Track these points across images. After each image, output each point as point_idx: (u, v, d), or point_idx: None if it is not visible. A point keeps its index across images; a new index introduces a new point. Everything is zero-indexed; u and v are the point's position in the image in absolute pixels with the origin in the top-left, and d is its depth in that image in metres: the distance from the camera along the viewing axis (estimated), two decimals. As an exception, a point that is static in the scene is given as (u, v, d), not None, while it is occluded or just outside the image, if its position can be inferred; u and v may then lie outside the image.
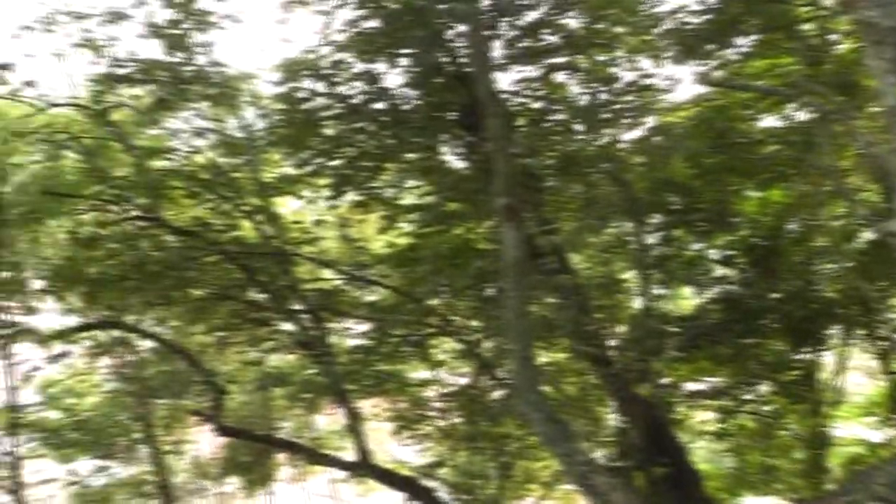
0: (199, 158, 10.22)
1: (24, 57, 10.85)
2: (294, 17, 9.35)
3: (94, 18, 9.86)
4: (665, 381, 7.71)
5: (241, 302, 10.08)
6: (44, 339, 13.85)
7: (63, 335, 13.27)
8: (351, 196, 9.30)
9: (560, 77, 8.20)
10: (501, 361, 8.43)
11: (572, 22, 7.87)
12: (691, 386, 8.32)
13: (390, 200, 9.14)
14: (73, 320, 13.67)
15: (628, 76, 7.81)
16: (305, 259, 9.91)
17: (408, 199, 9.28)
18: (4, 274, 12.93)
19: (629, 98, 7.78)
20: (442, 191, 8.76)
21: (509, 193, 6.87)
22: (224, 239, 9.65)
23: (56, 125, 11.38)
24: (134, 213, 10.07)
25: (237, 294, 10.02)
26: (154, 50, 9.80)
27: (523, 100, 8.30)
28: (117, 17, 9.81)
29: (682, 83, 7.89)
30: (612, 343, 7.89)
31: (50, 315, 14.62)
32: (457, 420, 10.99)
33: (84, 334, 13.56)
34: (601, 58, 7.91)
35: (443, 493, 10.86)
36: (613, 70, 7.89)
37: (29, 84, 10.87)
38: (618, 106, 7.83)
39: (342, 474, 15.68)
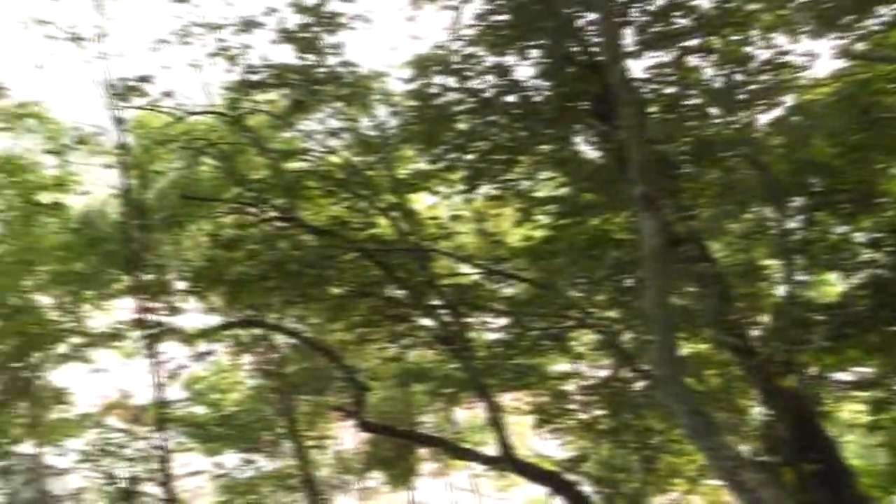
0: (334, 158, 11.73)
1: (162, 69, 12.80)
2: (423, 13, 10.70)
3: (227, 28, 11.61)
4: (811, 372, 8.35)
5: (379, 298, 11.46)
6: (188, 337, 16.10)
7: (206, 334, 15.42)
8: (485, 190, 10.54)
9: (693, 60, 9.03)
10: (642, 353, 9.33)
11: (704, 3, 8.68)
12: (840, 377, 8.87)
13: (525, 193, 10.28)
14: (215, 319, 15.86)
15: (764, 55, 8.49)
16: (442, 254, 11.21)
17: (542, 192, 10.40)
18: (149, 276, 15.14)
19: (765, 77, 8.43)
20: (577, 182, 9.79)
21: (645, 181, 7.64)
22: (361, 237, 11.00)
23: (194, 133, 13.31)
24: (272, 215, 11.70)
25: (376, 291, 11.42)
26: (286, 54, 11.39)
27: (656, 86, 9.15)
28: (250, 25, 11.49)
29: (821, 58, 8.39)
30: (755, 333, 8.62)
31: (193, 315, 16.94)
32: (598, 413, 12.02)
33: (227, 333, 15.71)
34: (735, 37, 8.66)
35: (585, 487, 11.94)
36: (748, 49, 8.62)
37: (167, 94, 12.77)
38: (754, 86, 8.52)
39: (483, 469, 17.17)
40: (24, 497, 18.40)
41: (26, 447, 18.66)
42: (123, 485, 16.63)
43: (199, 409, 18.99)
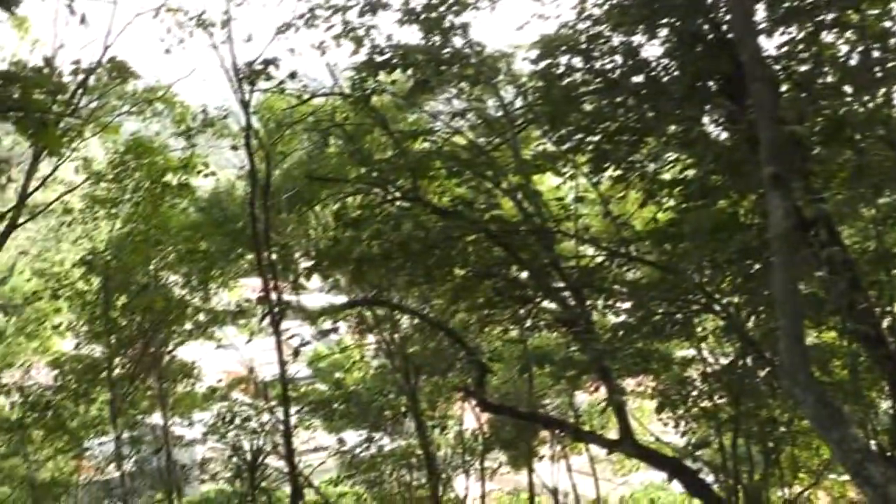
0: (459, 139, 12.50)
1: (287, 51, 13.81)
2: (549, -7, 11.20)
3: (353, 9, 12.45)
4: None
5: (502, 280, 12.16)
6: (312, 316, 17.32)
7: (330, 313, 16.57)
8: (611, 171, 11.03)
9: (828, 36, 9.25)
10: (768, 340, 9.65)
11: (840, -25, 8.87)
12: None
13: (651, 175, 10.74)
14: (339, 299, 17.05)
15: (903, 29, 8.62)
16: (566, 236, 11.82)
17: (669, 174, 10.83)
18: (275, 255, 16.34)
19: (904, 54, 8.59)
20: (704, 163, 10.18)
21: (775, 163, 7.88)
22: (485, 218, 11.75)
23: (320, 114, 14.33)
24: (396, 195, 12.56)
25: (499, 272, 12.12)
26: (412, 35, 12.17)
27: (788, 63, 9.44)
28: (375, 6, 12.31)
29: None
30: (887, 322, 8.83)
31: (317, 294, 18.23)
32: (720, 401, 12.36)
33: (350, 312, 16.83)
34: (873, 12, 8.83)
35: (706, 475, 12.30)
36: (886, 24, 8.77)
37: (293, 77, 13.80)
38: (892, 63, 8.71)
39: (604, 452, 17.74)
40: (152, 466, 20.19)
41: (155, 419, 20.45)
42: (248, 457, 18.11)
43: (322, 387, 20.34)
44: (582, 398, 22.37)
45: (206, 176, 18.09)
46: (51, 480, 22.49)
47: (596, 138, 10.69)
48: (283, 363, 15.23)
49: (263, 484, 18.43)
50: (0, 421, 21.13)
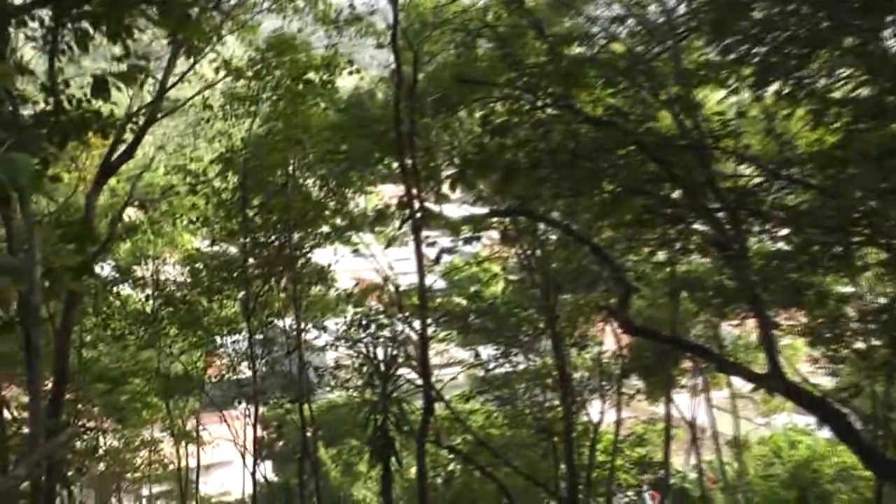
0: (617, 46, 12.83)
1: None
2: None
3: None
4: None
5: (653, 197, 12.59)
6: (453, 225, 18.20)
7: (473, 222, 17.39)
8: (777, 86, 11.18)
9: None
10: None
11: None
12: None
13: (820, 92, 10.85)
14: (481, 209, 17.85)
15: None
16: (725, 153, 12.07)
17: (840, 91, 10.90)
18: (417, 160, 17.13)
19: None
20: (881, 81, 10.25)
21: None
22: (640, 130, 12.13)
23: (470, 15, 14.87)
24: (547, 102, 13.07)
25: (650, 189, 12.54)
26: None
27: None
28: None
29: None
30: None
31: (459, 202, 19.10)
32: (876, 343, 12.32)
33: (492, 222, 17.63)
34: None
35: (855, 421, 12.33)
36: None
37: (445, -26, 14.38)
38: None
39: (748, 388, 18.09)
40: (283, 368, 21.88)
41: (287, 321, 22.02)
42: (380, 366, 19.41)
43: (458, 300, 21.42)
44: (727, 331, 22.80)
45: (349, 74, 18.85)
46: (183, 374, 24.72)
47: (763, 49, 10.69)
48: (421, 271, 16.17)
49: (395, 395, 19.67)
50: (135, 314, 23.16)
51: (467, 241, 19.24)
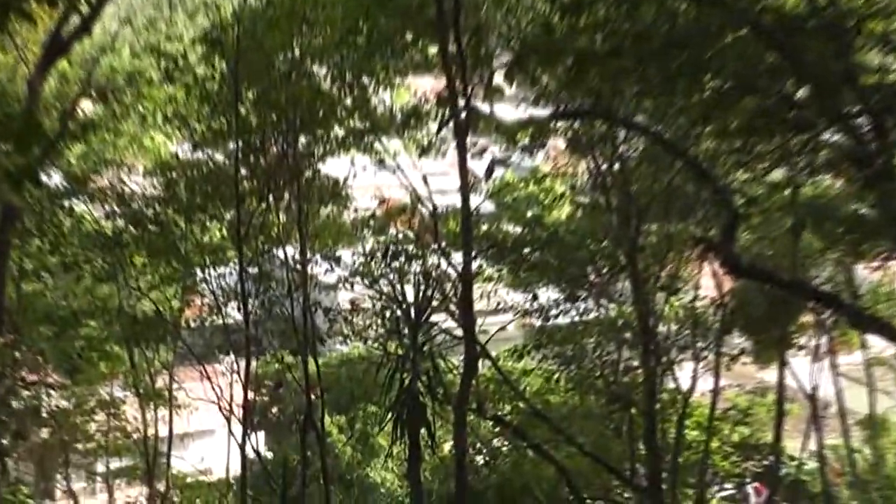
0: None
1: None
2: None
3: None
4: None
5: (771, 96, 12.58)
6: (507, 130, 18.30)
7: (533, 126, 17.48)
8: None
9: None
10: None
11: None
12: None
13: None
14: (544, 109, 17.87)
15: None
16: (869, 40, 11.93)
17: None
18: (462, 45, 17.12)
19: None
20: None
21: None
22: (756, 9, 12.09)
23: None
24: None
25: (768, 85, 12.53)
26: None
27: None
28: None
29: None
30: None
31: (516, 101, 19.12)
32: None
33: (559, 126, 17.70)
34: None
35: None
36: None
37: None
38: None
39: (888, 352, 18.00)
40: (283, 311, 22.21)
41: (289, 251, 22.31)
42: (408, 309, 19.72)
43: (511, 227, 21.57)
44: (864, 275, 22.77)
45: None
46: (154, 316, 25.08)
47: None
48: (465, 189, 16.30)
49: (427, 348, 19.93)
50: (92, 237, 23.46)
51: (525, 150, 19.44)
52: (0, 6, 9.57)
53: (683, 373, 22.24)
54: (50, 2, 10.27)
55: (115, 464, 31.35)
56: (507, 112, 19.09)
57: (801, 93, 12.48)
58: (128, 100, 23.44)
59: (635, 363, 21.15)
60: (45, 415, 24.85)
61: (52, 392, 26.07)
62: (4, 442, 20.69)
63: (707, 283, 21.79)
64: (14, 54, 19.73)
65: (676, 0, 12.72)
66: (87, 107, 22.60)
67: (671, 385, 21.93)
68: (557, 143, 20.04)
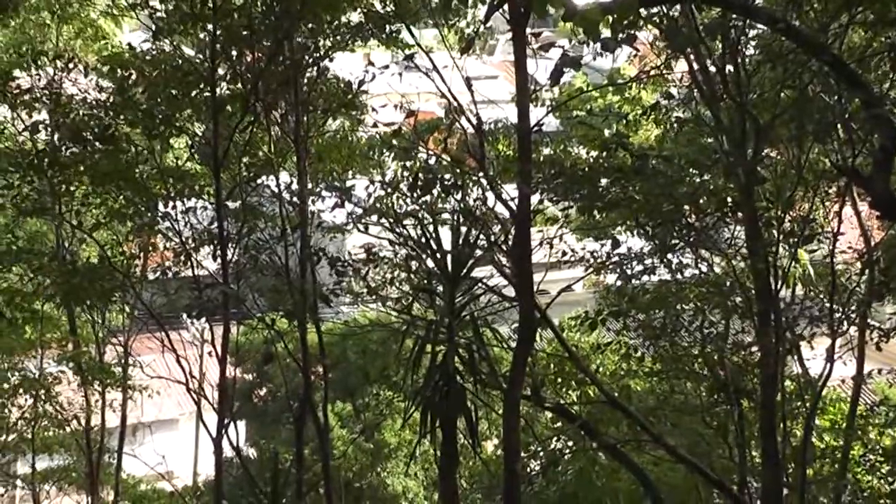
0: None
1: None
2: None
3: None
4: None
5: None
6: (579, 17, 18.24)
7: (615, 11, 17.43)
8: None
9: None
10: None
11: None
12: None
13: None
14: None
15: None
16: None
17: None
18: None
19: None
20: None
21: None
22: None
23: None
24: None
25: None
26: None
27: None
28: None
29: None
30: None
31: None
32: None
33: (652, 11, 17.69)
34: None
35: None
36: None
37: None
38: None
39: None
40: (273, 259, 22.37)
41: (284, 178, 22.44)
42: (444, 259, 19.80)
43: (583, 151, 21.58)
44: None
45: None
46: (100, 265, 25.28)
47: None
48: (523, 98, 16.31)
49: (467, 311, 20.00)
50: (15, 154, 23.66)
51: (606, 46, 19.29)
52: None
53: (815, 353, 22.18)
54: None
55: (43, 463, 31.64)
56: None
57: None
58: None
59: (749, 338, 21.16)
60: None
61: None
62: None
63: (851, 231, 21.66)
64: None
65: None
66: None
67: (797, 369, 21.88)
68: (649, 36, 19.90)
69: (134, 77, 22.40)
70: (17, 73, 24.02)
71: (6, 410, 28.96)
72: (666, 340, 22.48)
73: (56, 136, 23.38)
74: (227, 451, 23.43)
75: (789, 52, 16.50)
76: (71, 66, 24.77)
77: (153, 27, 22.37)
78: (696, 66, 19.26)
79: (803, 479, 21.38)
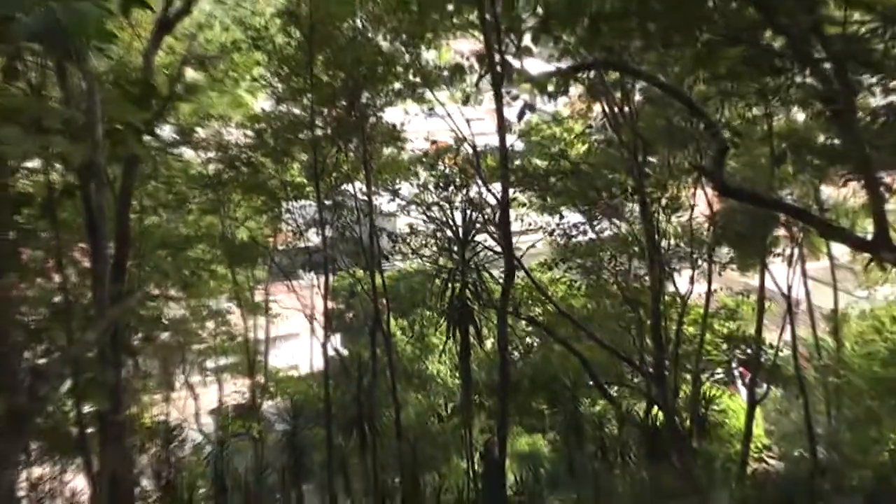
0: None
1: None
2: None
3: None
4: None
5: (752, 47, 12.70)
6: (535, 81, 18.37)
7: (557, 76, 17.57)
8: None
9: None
10: None
11: None
12: None
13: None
14: (563, 64, 17.96)
15: None
16: None
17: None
18: (497, 10, 17.24)
19: None
20: None
21: None
22: None
23: None
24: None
25: (749, 37, 12.63)
26: None
27: None
28: None
29: None
30: None
31: (540, 56, 19.21)
32: None
33: (577, 76, 17.79)
34: None
35: None
36: None
37: None
38: None
39: (846, 259, 18.11)
40: (353, 235, 22.63)
41: (357, 185, 22.70)
42: (457, 230, 20.05)
43: (539, 162, 21.81)
44: (828, 193, 22.87)
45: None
46: (249, 240, 25.71)
47: None
48: (501, 129, 16.55)
49: (473, 262, 20.34)
50: (197, 177, 24.00)
51: (552, 96, 19.47)
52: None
53: (682, 279, 22.43)
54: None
55: (222, 361, 32.09)
56: (535, 66, 19.17)
57: (778, 43, 12.54)
58: (222, 66, 23.64)
59: (643, 272, 21.41)
60: (165, 322, 25.46)
61: (171, 304, 26.87)
62: (136, 343, 21.41)
63: (701, 203, 21.88)
64: (130, 32, 20.00)
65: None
66: (191, 73, 22.87)
67: (672, 289, 22.12)
68: (576, 90, 20.10)
69: (265, 127, 22.70)
70: (197, 129, 24.25)
71: (200, 330, 29.43)
72: (594, 275, 22.75)
73: (220, 166, 23.63)
74: (330, 352, 23.70)
75: (661, 97, 16.70)
76: (228, 123, 25.01)
77: (275, 98, 22.74)
78: (606, 108, 19.48)
79: (676, 355, 21.66)
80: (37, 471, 22.21)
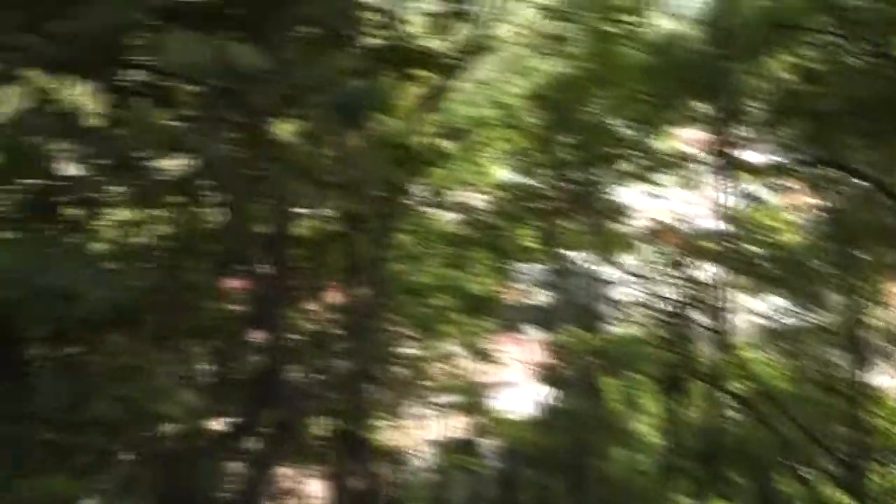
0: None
1: None
2: None
3: None
4: None
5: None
6: (754, 171, 17.82)
7: (779, 169, 16.98)
8: None
9: None
10: None
11: None
12: None
13: None
14: (783, 156, 17.38)
15: None
16: None
17: None
18: (724, 105, 16.93)
19: None
20: None
21: None
22: None
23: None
24: (864, 48, 12.52)
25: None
26: None
27: None
28: None
29: None
30: None
31: (760, 148, 18.66)
32: None
33: (795, 171, 17.16)
34: None
35: None
36: None
37: None
38: None
39: None
40: (575, 298, 22.51)
41: (582, 254, 22.61)
42: (670, 307, 19.58)
43: (751, 246, 21.00)
44: None
45: (661, 19, 18.94)
46: (484, 294, 25.98)
47: None
48: (720, 216, 16.10)
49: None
50: (443, 234, 24.56)
51: (773, 189, 18.79)
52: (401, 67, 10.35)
53: (885, 372, 20.89)
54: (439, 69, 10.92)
55: (446, 399, 32.35)
56: (755, 157, 18.60)
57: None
58: (474, 139, 24.22)
59: (841, 362, 20.09)
60: (405, 359, 25.94)
61: (409, 342, 27.44)
62: (378, 374, 21.99)
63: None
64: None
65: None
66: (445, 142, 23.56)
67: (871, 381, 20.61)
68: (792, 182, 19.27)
69: (506, 196, 22.95)
70: (446, 192, 24.93)
71: (431, 369, 29.70)
72: (795, 358, 21.50)
73: (464, 226, 24.05)
74: (545, 402, 23.49)
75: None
76: (473, 188, 25.53)
77: (517, 170, 23.00)
78: (822, 201, 18.59)
79: (870, 445, 20.18)
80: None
